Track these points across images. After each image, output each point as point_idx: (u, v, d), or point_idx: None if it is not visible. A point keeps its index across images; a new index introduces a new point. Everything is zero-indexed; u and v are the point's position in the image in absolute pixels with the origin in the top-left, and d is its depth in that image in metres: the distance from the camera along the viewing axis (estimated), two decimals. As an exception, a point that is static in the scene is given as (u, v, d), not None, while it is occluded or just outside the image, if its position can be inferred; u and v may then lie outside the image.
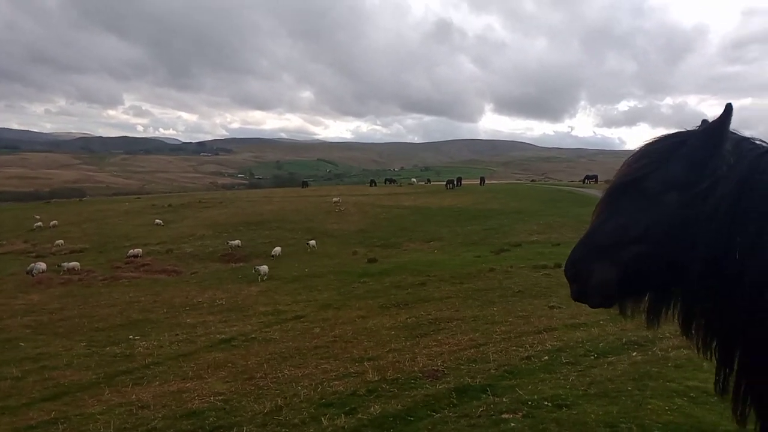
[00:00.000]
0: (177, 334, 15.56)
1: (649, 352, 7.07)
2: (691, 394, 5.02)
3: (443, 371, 7.02)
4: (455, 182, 66.84)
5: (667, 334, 8.20)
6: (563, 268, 2.00)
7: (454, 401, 5.50)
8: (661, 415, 4.51)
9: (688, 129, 1.96)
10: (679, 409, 4.68)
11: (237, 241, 34.93)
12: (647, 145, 1.98)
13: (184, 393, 8.74)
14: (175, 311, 19.48)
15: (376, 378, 6.98)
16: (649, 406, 4.73)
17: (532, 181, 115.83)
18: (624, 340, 8.09)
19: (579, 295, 1.95)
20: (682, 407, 4.72)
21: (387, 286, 19.86)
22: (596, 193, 50.48)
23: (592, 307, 2.01)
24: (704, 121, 1.96)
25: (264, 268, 25.64)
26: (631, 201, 1.87)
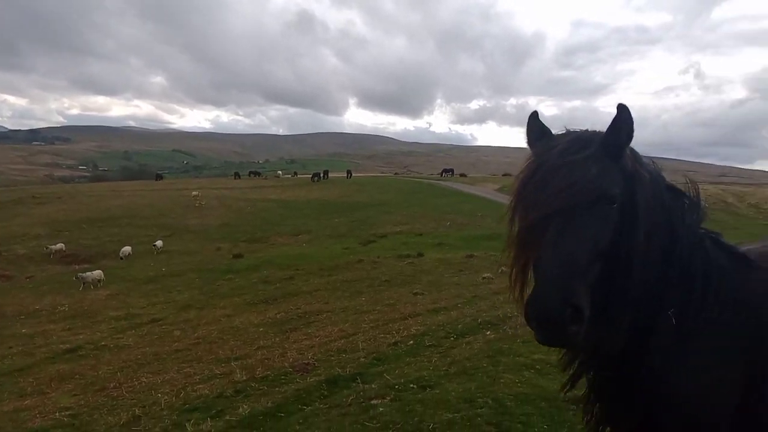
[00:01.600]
0: (10, 347, 13.68)
1: (501, 331, 7.75)
2: (537, 367, 5.61)
3: (314, 364, 7.03)
4: (322, 175, 66.94)
5: (516, 313, 9.06)
6: (534, 315, 1.71)
7: (325, 393, 5.54)
8: (513, 388, 4.98)
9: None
10: (527, 381, 5.20)
11: (60, 245, 30.09)
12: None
13: (22, 412, 7.71)
14: (7, 321, 17.08)
15: (245, 377, 6.77)
16: (502, 380, 5.19)
17: (396, 174, 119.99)
18: (479, 320, 8.77)
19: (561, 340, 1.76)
20: (530, 379, 5.26)
21: (254, 281, 19.32)
22: (452, 185, 53.92)
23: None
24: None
25: (93, 274, 22.07)
26: (598, 215, 1.85)
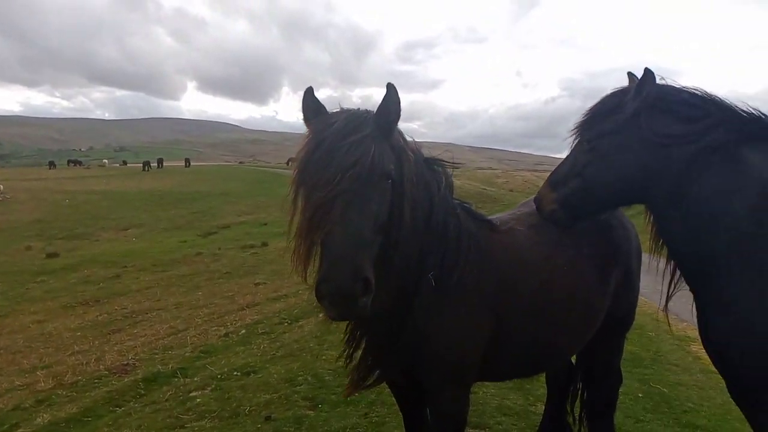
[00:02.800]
0: None
1: (332, 311, 8.03)
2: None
3: (134, 364, 6.62)
4: (156, 164, 62.05)
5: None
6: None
7: (142, 391, 5.27)
8: (333, 363, 5.23)
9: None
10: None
11: None
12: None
13: None
14: None
15: (50, 385, 6.14)
16: (324, 357, 5.43)
17: (240, 162, 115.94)
18: (315, 304, 8.97)
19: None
20: (350, 353, 5.56)
21: (73, 283, 17.33)
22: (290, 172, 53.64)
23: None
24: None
25: None
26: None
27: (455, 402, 2.45)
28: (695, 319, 2.43)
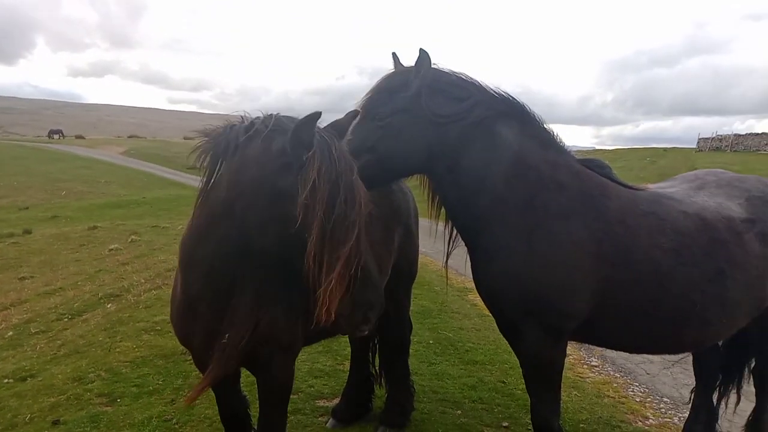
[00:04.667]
0: None
1: (123, 301, 7.34)
2: (158, 328, 5.59)
3: None
4: None
5: (141, 281, 8.70)
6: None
7: None
8: (129, 354, 4.84)
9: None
10: (146, 344, 5.13)
11: None
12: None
13: None
14: None
15: None
16: (118, 350, 4.97)
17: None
18: (100, 295, 8.08)
19: None
20: (149, 341, 5.20)
21: None
22: (67, 148, 46.69)
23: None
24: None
25: None
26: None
27: (287, 370, 2.56)
28: (470, 272, 2.88)
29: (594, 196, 2.55)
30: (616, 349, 3.16)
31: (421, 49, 2.53)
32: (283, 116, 2.00)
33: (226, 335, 2.15)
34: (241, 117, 2.07)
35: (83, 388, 4.15)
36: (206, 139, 2.07)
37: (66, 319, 7.05)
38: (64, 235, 16.42)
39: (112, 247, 13.59)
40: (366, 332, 1.98)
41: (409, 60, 2.65)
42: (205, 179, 2.06)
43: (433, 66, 2.59)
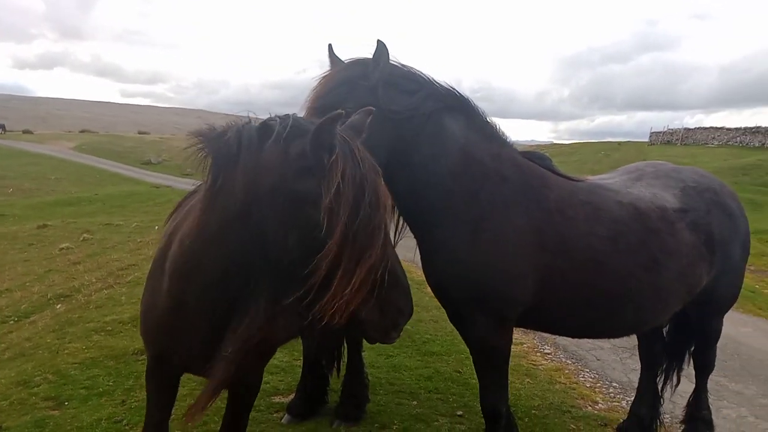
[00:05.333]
0: None
1: (74, 301, 7.10)
2: (108, 328, 5.43)
3: None
4: None
5: (93, 280, 8.43)
6: None
7: None
8: (78, 356, 4.68)
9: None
10: (96, 344, 4.98)
11: None
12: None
13: None
14: None
15: None
16: (66, 351, 4.81)
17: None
18: (49, 295, 7.80)
19: None
20: (99, 342, 5.05)
21: None
22: (13, 144, 44.62)
23: None
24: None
25: None
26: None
27: (262, 373, 2.62)
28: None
29: (535, 187, 2.63)
30: (559, 334, 3.27)
31: (379, 41, 2.48)
32: (300, 117, 1.88)
33: (229, 347, 1.97)
34: (248, 117, 1.92)
35: (28, 392, 4.00)
36: (207, 139, 1.88)
37: (12, 322, 6.78)
38: (11, 234, 15.74)
39: (62, 246, 13.11)
40: (395, 339, 1.90)
41: (365, 54, 2.59)
42: (209, 183, 1.85)
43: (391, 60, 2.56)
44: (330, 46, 2.71)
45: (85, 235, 14.31)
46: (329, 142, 1.70)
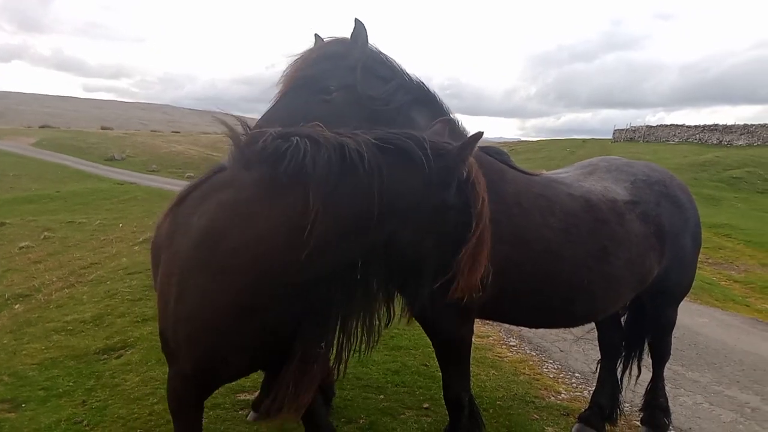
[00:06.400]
0: None
1: (33, 301, 6.90)
2: (69, 328, 5.29)
3: None
4: None
5: (54, 279, 8.20)
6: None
7: None
8: (37, 356, 4.56)
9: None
10: (56, 344, 4.85)
11: None
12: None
13: None
14: None
15: None
16: (24, 352, 4.68)
17: None
18: (7, 295, 7.56)
19: None
20: (59, 342, 4.92)
21: None
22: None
23: None
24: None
25: None
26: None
27: None
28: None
29: (494, 180, 2.66)
30: (517, 324, 3.33)
31: (357, 20, 2.43)
32: (430, 135, 2.00)
33: (322, 343, 2.08)
34: (300, 141, 1.87)
35: (-22, 396, 3.88)
36: (293, 165, 1.83)
37: (-35, 323, 6.54)
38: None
39: (22, 244, 12.70)
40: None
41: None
42: (309, 203, 1.81)
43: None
44: (317, 36, 2.62)
45: (45, 233, 13.89)
46: (467, 159, 1.93)
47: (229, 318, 1.96)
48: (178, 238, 2.07)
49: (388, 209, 1.84)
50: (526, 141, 54.56)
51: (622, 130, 46.73)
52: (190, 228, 2.02)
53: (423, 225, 1.92)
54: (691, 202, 3.39)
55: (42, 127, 64.05)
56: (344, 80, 2.40)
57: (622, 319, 3.86)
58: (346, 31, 2.53)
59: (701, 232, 3.48)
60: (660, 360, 3.79)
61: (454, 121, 2.73)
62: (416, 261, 1.99)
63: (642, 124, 45.85)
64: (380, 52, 2.61)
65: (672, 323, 3.66)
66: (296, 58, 2.49)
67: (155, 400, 3.73)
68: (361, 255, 1.93)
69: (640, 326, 3.74)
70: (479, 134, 1.92)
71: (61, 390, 3.94)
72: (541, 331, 6.00)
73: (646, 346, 3.83)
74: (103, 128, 69.56)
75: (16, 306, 6.86)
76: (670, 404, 3.90)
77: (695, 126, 41.37)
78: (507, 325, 6.14)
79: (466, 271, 1.99)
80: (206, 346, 2.01)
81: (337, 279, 1.97)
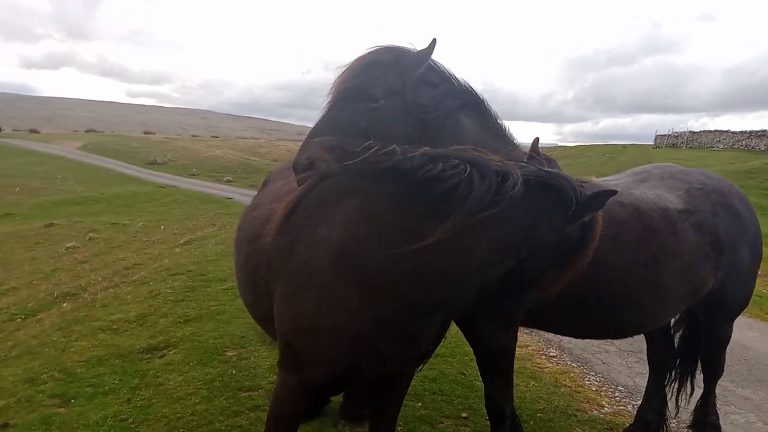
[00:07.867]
0: None
1: (80, 300, 7.14)
2: (114, 327, 5.46)
3: None
4: None
5: (99, 279, 8.47)
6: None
7: None
8: (84, 354, 4.71)
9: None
10: (102, 343, 5.00)
11: None
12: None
13: None
14: None
15: None
16: (73, 349, 4.84)
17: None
18: (56, 294, 7.84)
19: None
20: (105, 340, 5.08)
21: None
22: (20, 143, 44.89)
23: None
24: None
25: None
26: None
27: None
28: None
29: None
30: (563, 334, 3.25)
31: (434, 40, 2.43)
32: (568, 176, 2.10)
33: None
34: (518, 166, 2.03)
35: (35, 390, 4.03)
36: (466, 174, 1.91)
37: (19, 320, 6.82)
38: (18, 233, 15.83)
39: (69, 245, 13.19)
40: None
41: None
42: (467, 216, 1.87)
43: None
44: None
45: (91, 234, 14.39)
46: (599, 209, 2.08)
47: (376, 330, 2.04)
48: (304, 249, 2.11)
49: (529, 243, 2.02)
50: (563, 146, 53.59)
51: (664, 135, 45.38)
52: (319, 240, 2.07)
53: (546, 253, 2.12)
54: (750, 212, 3.25)
55: (87, 131, 66.54)
56: (391, 86, 2.39)
57: (677, 336, 3.73)
58: (380, 38, 2.51)
59: (762, 244, 3.33)
60: (712, 376, 3.64)
61: (502, 128, 2.70)
62: (527, 278, 2.23)
63: (684, 130, 44.45)
64: (430, 60, 2.55)
65: (727, 338, 3.51)
66: (344, 67, 2.48)
67: (197, 400, 3.80)
68: (494, 278, 2.11)
69: (695, 342, 3.60)
70: (611, 192, 2.05)
71: (107, 387, 4.05)
72: (582, 342, 5.85)
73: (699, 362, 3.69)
74: (145, 133, 71.84)
75: (64, 304, 7.10)
76: (720, 422, 3.74)
77: (741, 132, 39.80)
78: (546, 335, 6.01)
79: (553, 286, 2.23)
80: (349, 356, 2.08)
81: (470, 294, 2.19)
